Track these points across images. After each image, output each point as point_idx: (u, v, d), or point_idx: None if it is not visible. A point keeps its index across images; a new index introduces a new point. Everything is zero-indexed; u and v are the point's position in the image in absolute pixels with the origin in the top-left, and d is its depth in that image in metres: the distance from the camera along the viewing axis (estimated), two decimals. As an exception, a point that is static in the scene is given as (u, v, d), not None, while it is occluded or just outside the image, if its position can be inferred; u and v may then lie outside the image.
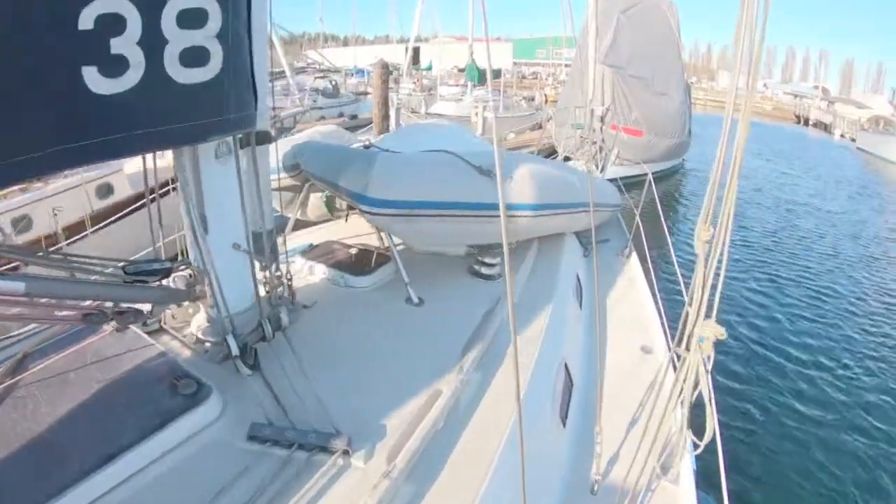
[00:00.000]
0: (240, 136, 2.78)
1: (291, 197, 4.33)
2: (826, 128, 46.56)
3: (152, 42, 1.99)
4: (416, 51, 63.41)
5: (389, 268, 3.87)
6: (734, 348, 7.86)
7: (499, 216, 3.60)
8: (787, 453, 6.01)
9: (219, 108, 2.39)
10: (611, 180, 8.05)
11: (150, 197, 3.21)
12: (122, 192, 9.61)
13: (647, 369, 3.65)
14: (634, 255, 5.70)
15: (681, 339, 2.08)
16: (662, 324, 4.26)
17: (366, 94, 24.33)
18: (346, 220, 4.97)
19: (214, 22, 2.20)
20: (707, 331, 1.98)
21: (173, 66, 2.09)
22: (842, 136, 42.47)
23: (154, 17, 1.98)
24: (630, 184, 8.53)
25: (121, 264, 2.43)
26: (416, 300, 3.58)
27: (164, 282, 2.70)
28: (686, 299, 2.04)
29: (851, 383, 7.24)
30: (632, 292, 4.97)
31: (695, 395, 2.16)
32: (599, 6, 20.20)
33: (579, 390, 3.30)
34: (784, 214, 16.26)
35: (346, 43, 65.85)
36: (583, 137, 10.19)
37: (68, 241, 8.21)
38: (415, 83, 39.51)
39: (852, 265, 12.35)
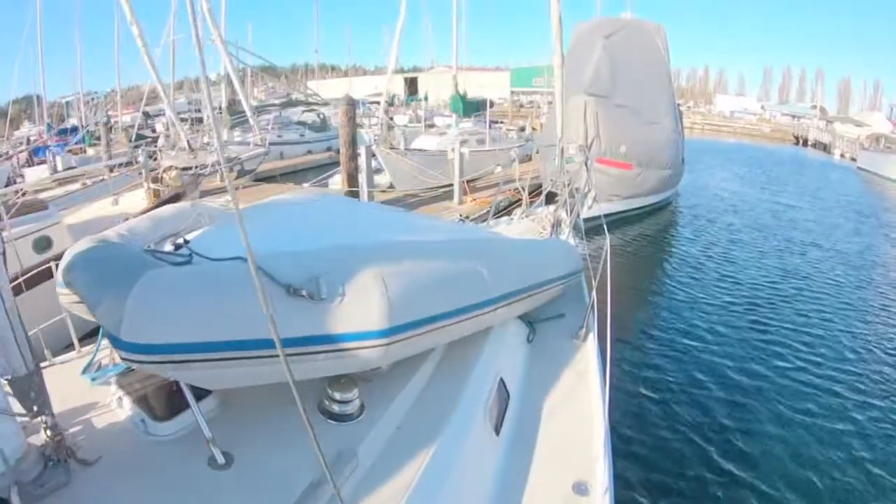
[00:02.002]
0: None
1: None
2: (825, 148, 45.51)
3: None
4: (414, 81, 63.27)
5: (204, 405, 2.72)
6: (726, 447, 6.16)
7: (323, 351, 2.42)
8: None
9: None
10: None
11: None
12: (62, 245, 8.59)
13: None
14: (592, 338, 4.43)
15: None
16: (606, 446, 3.14)
17: (359, 126, 23.36)
18: None
19: None
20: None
21: None
22: (842, 155, 41.42)
23: None
24: (612, 221, 7.21)
25: None
26: (220, 461, 2.45)
27: None
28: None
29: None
30: (580, 394, 3.75)
31: None
32: (582, 32, 19.31)
33: None
34: (785, 259, 13.61)
35: (346, 74, 66.31)
36: (552, 180, 9.09)
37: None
38: (411, 114, 38.90)
39: (870, 326, 9.60)
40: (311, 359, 2.55)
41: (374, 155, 17.57)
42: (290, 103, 28.62)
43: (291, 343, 2.46)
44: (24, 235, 8.42)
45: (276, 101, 29.75)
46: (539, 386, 3.81)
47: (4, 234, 8.04)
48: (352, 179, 13.68)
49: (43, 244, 8.73)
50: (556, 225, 6.77)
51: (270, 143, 26.91)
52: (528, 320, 4.52)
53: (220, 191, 17.43)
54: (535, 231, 6.82)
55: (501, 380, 3.53)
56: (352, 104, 13.36)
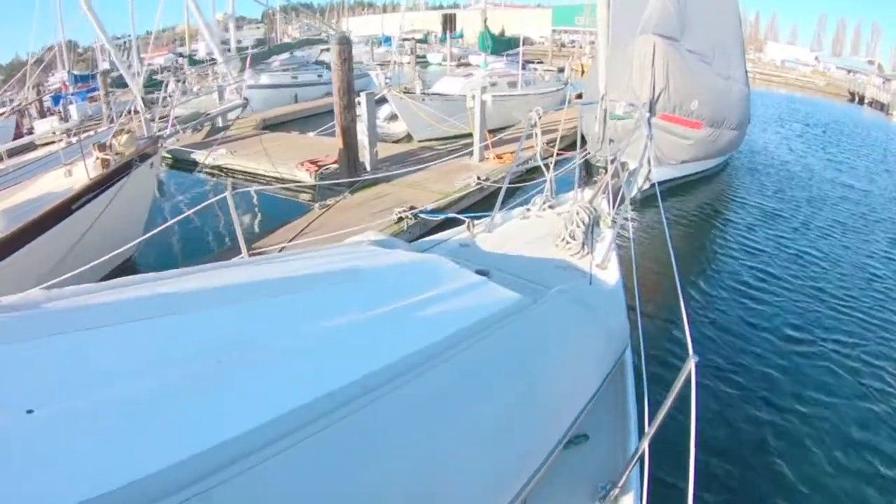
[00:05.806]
0: None
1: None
2: (883, 108, 39.58)
3: None
4: (451, 17, 58.94)
5: None
6: None
7: None
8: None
9: None
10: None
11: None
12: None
13: None
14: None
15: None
16: None
17: (392, 63, 20.12)
18: None
19: None
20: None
21: None
22: (902, 118, 35.76)
23: None
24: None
25: None
26: None
27: None
28: None
29: None
30: None
31: None
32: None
33: None
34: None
35: (384, 11, 63.72)
36: (589, 152, 6.22)
37: None
38: (445, 52, 35.16)
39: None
40: None
41: (385, 100, 14.43)
42: (307, 42, 24.95)
43: None
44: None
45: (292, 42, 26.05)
46: None
47: None
48: (348, 134, 10.27)
49: None
50: (593, 224, 4.54)
51: (286, 86, 23.49)
52: None
53: (201, 145, 14.09)
54: (560, 235, 4.49)
55: None
56: (346, 42, 9.87)
